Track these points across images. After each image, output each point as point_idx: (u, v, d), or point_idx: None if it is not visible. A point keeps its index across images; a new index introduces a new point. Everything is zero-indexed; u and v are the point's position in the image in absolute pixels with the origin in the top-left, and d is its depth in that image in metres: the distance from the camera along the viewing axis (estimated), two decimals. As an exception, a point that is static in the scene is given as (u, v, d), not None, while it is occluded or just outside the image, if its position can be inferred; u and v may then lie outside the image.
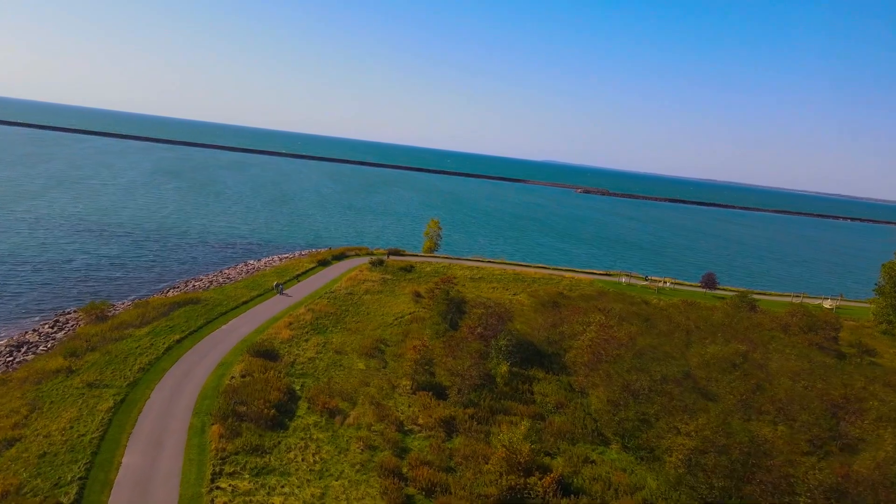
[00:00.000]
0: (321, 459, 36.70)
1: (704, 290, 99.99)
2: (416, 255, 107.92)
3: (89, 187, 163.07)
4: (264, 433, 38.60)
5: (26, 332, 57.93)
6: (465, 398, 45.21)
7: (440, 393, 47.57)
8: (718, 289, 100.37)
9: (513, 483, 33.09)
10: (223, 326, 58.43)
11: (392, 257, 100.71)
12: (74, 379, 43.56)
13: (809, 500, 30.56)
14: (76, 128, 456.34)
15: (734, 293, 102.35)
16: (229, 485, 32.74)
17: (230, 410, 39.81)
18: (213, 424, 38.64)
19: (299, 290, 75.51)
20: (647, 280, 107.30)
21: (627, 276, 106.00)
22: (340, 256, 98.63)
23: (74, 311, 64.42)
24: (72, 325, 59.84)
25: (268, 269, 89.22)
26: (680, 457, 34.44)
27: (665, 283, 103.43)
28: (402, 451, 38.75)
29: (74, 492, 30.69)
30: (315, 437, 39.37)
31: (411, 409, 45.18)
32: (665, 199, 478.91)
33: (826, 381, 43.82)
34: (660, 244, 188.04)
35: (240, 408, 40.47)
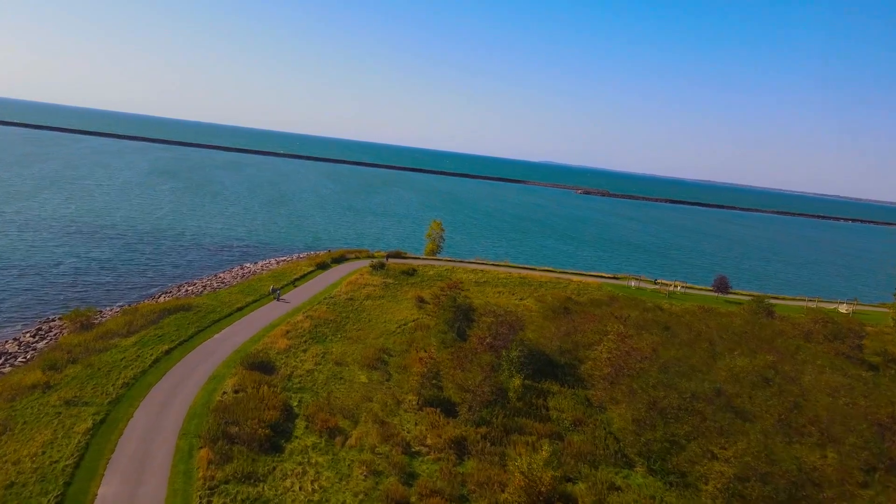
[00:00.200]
0: (320, 488, 33.21)
1: (716, 294, 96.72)
2: (418, 258, 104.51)
3: (83, 188, 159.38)
4: (258, 457, 35.12)
5: (6, 342, 54.29)
6: (476, 416, 41.76)
7: (449, 409, 44.12)
8: (731, 293, 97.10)
9: (534, 516, 29.74)
10: (216, 335, 54.89)
11: (393, 260, 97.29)
12: (52, 395, 40.00)
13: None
14: (73, 128, 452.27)
15: (748, 298, 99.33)
16: (218, 520, 29.30)
17: (220, 432, 36.31)
18: (201, 448, 35.13)
19: (297, 296, 72.05)
20: (656, 283, 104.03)
21: (636, 279, 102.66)
22: (340, 259, 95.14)
23: (59, 319, 60.80)
24: (55, 334, 56.24)
25: (264, 272, 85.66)
26: (718, 485, 31.07)
27: (676, 286, 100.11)
28: (409, 477, 35.29)
29: (42, 530, 27.25)
30: (314, 461, 35.88)
31: (418, 427, 41.72)
32: (665, 200, 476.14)
33: (868, 397, 40.56)
34: (664, 246, 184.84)
35: (231, 428, 36.98)
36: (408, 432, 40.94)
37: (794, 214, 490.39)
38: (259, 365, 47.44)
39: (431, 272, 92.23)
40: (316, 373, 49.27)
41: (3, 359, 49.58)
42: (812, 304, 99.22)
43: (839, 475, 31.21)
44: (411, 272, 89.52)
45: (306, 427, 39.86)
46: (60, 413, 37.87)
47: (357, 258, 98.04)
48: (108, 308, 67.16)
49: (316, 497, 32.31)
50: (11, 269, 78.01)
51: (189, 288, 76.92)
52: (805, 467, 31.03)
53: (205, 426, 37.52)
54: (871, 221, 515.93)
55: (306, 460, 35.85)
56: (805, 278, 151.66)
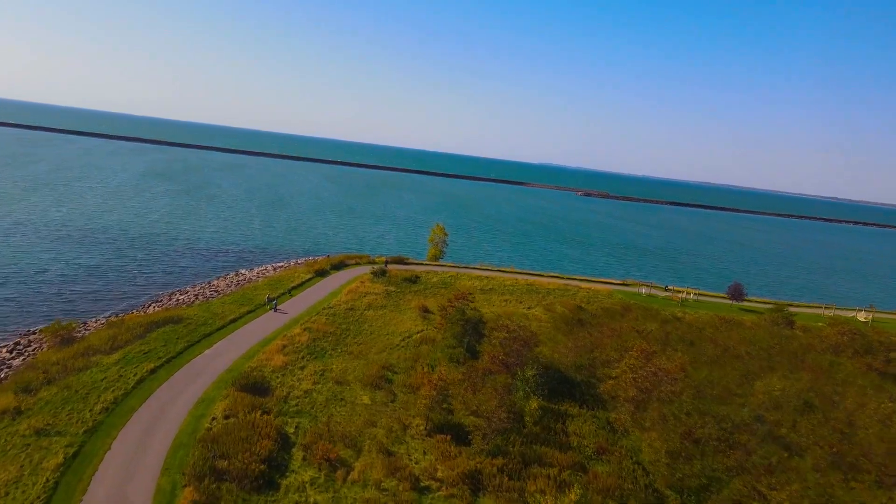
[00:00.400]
0: (320, 534, 29.39)
1: (731, 301, 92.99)
2: (421, 264, 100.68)
3: (75, 190, 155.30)
4: (249, 497, 31.26)
5: (-20, 359, 50.36)
6: (490, 444, 37.91)
7: (460, 435, 40.26)
8: (745, 300, 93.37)
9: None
10: (206, 351, 50.97)
11: (395, 266, 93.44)
12: (22, 423, 36.07)
13: None
14: (67, 128, 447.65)
15: (763, 305, 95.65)
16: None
17: (208, 467, 32.43)
18: (185, 486, 31.25)
19: (295, 305, 68.16)
20: (666, 290, 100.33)
21: (647, 286, 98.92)
22: (339, 265, 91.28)
23: (39, 332, 56.80)
24: (34, 349, 52.25)
25: (260, 280, 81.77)
26: (773, 534, 27.31)
27: (688, 293, 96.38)
28: (419, 519, 31.49)
29: None
30: (312, 500, 32.01)
31: (427, 457, 37.86)
32: (666, 202, 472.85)
33: (922, 425, 36.96)
34: (670, 249, 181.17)
35: (220, 463, 33.10)
36: (416, 463, 37.10)
37: (795, 217, 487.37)
38: (252, 386, 43.54)
39: (435, 279, 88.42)
40: (314, 393, 45.40)
41: (-26, 378, 45.61)
42: (829, 313, 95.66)
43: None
44: (414, 279, 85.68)
45: (304, 458, 35.98)
46: (30, 445, 33.94)
47: (357, 264, 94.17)
48: (93, 319, 63.18)
49: (314, 546, 28.48)
50: (-7, 276, 74.09)
51: (180, 297, 72.98)
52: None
53: (190, 460, 33.63)
54: (874, 224, 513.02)
55: (304, 499, 31.99)
56: (817, 284, 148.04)
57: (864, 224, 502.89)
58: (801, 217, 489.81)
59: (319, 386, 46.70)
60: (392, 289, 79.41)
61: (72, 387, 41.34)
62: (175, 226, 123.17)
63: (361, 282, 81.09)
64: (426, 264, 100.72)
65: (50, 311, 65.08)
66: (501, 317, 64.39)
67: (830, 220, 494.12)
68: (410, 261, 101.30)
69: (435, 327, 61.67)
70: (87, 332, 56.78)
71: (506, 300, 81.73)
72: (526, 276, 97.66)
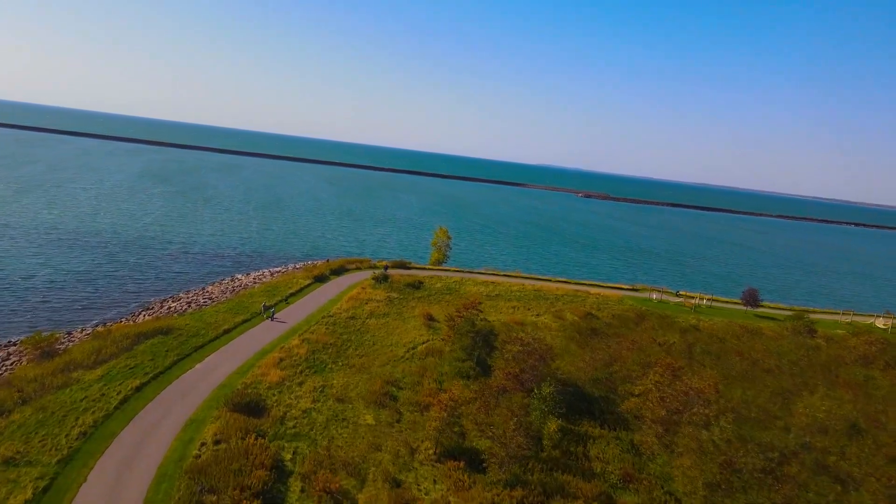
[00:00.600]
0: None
1: (745, 307, 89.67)
2: (424, 268, 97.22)
3: (68, 192, 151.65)
4: (241, 539, 27.78)
5: (-47, 374, 46.79)
6: (508, 473, 34.44)
7: (473, 461, 36.77)
8: (761, 306, 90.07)
9: None
10: (197, 366, 47.45)
11: (397, 271, 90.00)
12: (-11, 451, 32.58)
13: None
14: (62, 129, 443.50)
15: (780, 312, 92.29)
16: None
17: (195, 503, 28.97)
18: (169, 527, 27.80)
19: (293, 314, 64.67)
20: (678, 296, 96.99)
21: (658, 291, 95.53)
22: (339, 270, 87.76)
23: (20, 344, 53.18)
24: (12, 363, 48.67)
25: (256, 286, 78.20)
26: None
27: (701, 299, 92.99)
28: (431, 563, 28.03)
29: None
30: (311, 541, 28.56)
31: (438, 487, 34.39)
32: (667, 204, 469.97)
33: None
34: (674, 252, 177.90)
35: (208, 498, 29.63)
36: (426, 494, 33.64)
37: (796, 218, 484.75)
38: (246, 406, 40.03)
39: (439, 284, 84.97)
40: (314, 413, 41.91)
41: (-57, 397, 42.00)
42: (846, 319, 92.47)
43: None
44: (417, 285, 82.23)
45: (302, 490, 32.51)
46: (-5, 477, 30.43)
47: (358, 269, 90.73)
48: (78, 329, 59.60)
49: None
50: (-25, 283, 70.52)
51: (173, 304, 69.42)
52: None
53: (175, 494, 30.14)
54: (876, 226, 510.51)
55: (302, 540, 28.54)
56: (826, 287, 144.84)
57: (865, 226, 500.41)
58: (802, 219, 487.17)
59: (319, 404, 43.23)
60: (395, 295, 75.97)
61: (48, 408, 37.81)
62: (169, 229, 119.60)
63: (363, 288, 77.64)
64: (429, 269, 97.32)
65: (34, 320, 61.57)
66: (513, 328, 60.90)
67: (830, 222, 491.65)
68: (413, 265, 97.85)
69: (442, 339, 58.19)
70: (72, 343, 53.28)
71: (513, 307, 78.29)
72: (533, 282, 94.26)
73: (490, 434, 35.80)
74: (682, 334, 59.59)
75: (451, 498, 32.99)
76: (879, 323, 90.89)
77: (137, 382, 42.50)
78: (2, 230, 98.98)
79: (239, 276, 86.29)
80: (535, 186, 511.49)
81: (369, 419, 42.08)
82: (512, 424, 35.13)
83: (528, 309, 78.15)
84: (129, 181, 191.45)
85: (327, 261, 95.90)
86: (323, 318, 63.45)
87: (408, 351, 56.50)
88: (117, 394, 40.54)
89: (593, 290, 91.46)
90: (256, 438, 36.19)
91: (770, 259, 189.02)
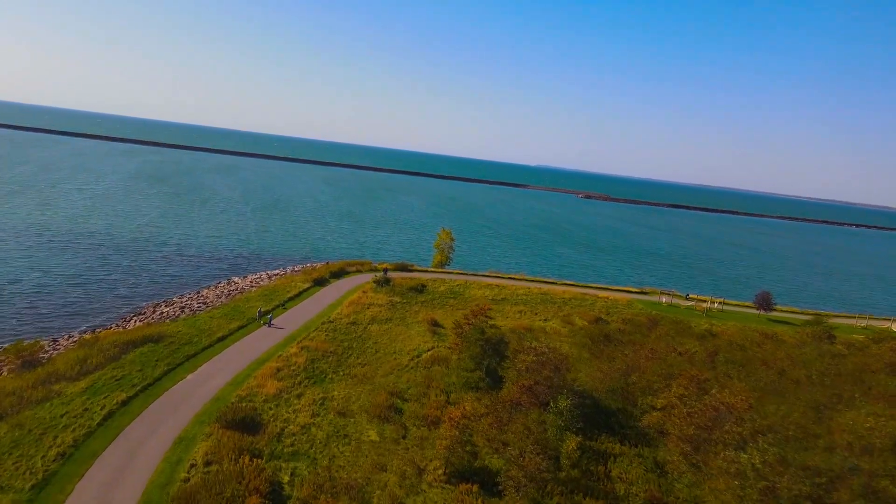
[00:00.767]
0: None
1: (759, 311, 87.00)
2: (426, 271, 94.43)
3: (62, 192, 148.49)
4: (232, 577, 24.86)
5: (-72, 385, 43.73)
6: (526, 498, 31.55)
7: (486, 483, 33.84)
8: (774, 310, 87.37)
9: None
10: (189, 377, 44.49)
11: (399, 273, 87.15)
12: (-43, 476, 29.66)
13: None
14: (58, 129, 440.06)
15: (795, 316, 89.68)
16: None
17: (181, 537, 26.06)
18: (152, 564, 24.88)
19: (291, 319, 61.78)
20: (688, 299, 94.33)
21: (667, 294, 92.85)
22: (339, 273, 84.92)
23: (1, 353, 50.15)
24: (-8, 374, 45.72)
25: (253, 289, 75.26)
26: None
27: (712, 303, 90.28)
28: None
29: None
30: (311, 579, 25.63)
31: (449, 513, 31.51)
32: (667, 205, 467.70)
33: None
34: (679, 253, 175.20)
35: (196, 530, 26.71)
36: (436, 521, 30.75)
37: (798, 219, 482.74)
38: (241, 422, 37.08)
39: (443, 287, 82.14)
40: (313, 428, 38.98)
41: (-86, 412, 39.01)
42: (862, 323, 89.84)
43: None
44: (420, 288, 79.37)
45: (301, 518, 29.59)
46: (-39, 506, 27.53)
47: (359, 272, 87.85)
48: (65, 336, 56.60)
49: None
50: (-41, 287, 67.50)
51: (165, 309, 66.44)
52: None
53: (160, 525, 27.23)
54: (879, 227, 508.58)
55: (301, 578, 25.60)
56: (838, 290, 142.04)
57: (867, 227, 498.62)
58: (802, 220, 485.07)
59: (319, 419, 40.30)
60: (397, 299, 73.12)
61: (25, 424, 34.84)
62: (165, 230, 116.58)
63: (364, 291, 74.80)
64: (432, 271, 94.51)
65: (19, 327, 58.53)
66: (524, 335, 57.97)
67: (831, 223, 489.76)
68: (415, 268, 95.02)
69: (448, 347, 55.32)
70: (56, 351, 50.27)
71: (520, 311, 75.54)
72: (539, 285, 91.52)
73: (506, 455, 32.86)
74: (701, 341, 56.75)
75: (464, 526, 30.11)
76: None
77: (124, 396, 39.54)
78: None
79: (235, 280, 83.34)
80: (534, 187, 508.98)
81: (373, 435, 39.17)
82: (530, 444, 32.24)
83: (536, 313, 75.42)
84: (125, 182, 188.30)
85: (327, 263, 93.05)
86: (323, 323, 60.55)
87: (412, 359, 53.63)
88: (101, 408, 37.58)
89: (601, 294, 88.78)
90: (251, 459, 33.27)
91: (775, 260, 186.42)
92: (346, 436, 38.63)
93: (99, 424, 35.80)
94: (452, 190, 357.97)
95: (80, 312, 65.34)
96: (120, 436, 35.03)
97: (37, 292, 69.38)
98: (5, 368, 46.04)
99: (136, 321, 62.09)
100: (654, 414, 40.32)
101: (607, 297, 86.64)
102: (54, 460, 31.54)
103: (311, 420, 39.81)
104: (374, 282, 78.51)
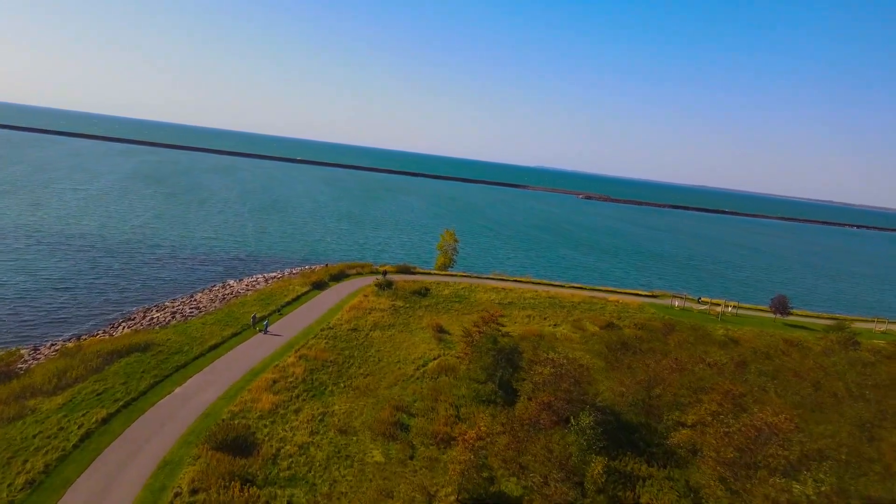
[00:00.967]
0: None
1: (775, 315, 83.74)
2: (430, 273, 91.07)
3: (55, 193, 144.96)
4: None
5: None
6: (550, 530, 28.24)
7: (504, 511, 30.60)
8: (791, 314, 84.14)
9: None
10: (177, 390, 41.12)
11: (401, 276, 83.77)
12: (-90, 508, 26.32)
13: None
14: (57, 129, 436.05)
15: (811, 320, 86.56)
16: None
17: (160, 584, 22.69)
18: None
19: (288, 325, 58.43)
20: (700, 302, 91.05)
21: (680, 298, 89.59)
22: (339, 276, 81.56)
23: (-23, 363, 46.76)
24: (-36, 387, 42.26)
25: (249, 293, 71.88)
26: None
27: (726, 306, 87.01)
28: None
29: None
30: None
31: (464, 548, 28.18)
32: (668, 206, 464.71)
33: None
34: (686, 255, 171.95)
35: (178, 575, 23.34)
36: (450, 557, 27.40)
37: (798, 220, 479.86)
38: (232, 442, 33.71)
39: (447, 291, 78.84)
40: (312, 448, 35.63)
41: None
42: (881, 328, 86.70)
43: None
44: (423, 292, 76.04)
45: (298, 556, 26.25)
46: (-90, 546, 24.15)
47: (359, 274, 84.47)
48: (47, 344, 53.11)
49: None
50: (-61, 291, 64.05)
51: (156, 314, 63.02)
52: None
53: (137, 568, 23.87)
54: (878, 228, 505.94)
55: None
56: (849, 293, 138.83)
57: (867, 228, 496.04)
58: (803, 220, 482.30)
59: (318, 437, 36.95)
60: (400, 303, 69.79)
61: (-7, 447, 31.48)
62: (159, 232, 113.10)
63: (365, 295, 71.45)
64: (435, 274, 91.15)
65: (1, 335, 55.10)
66: (538, 343, 54.61)
67: (832, 224, 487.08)
68: (417, 270, 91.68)
69: (456, 356, 51.96)
70: (36, 361, 46.85)
71: (528, 316, 72.26)
72: (546, 288, 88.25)
73: (528, 482, 29.54)
74: (723, 349, 53.49)
75: (482, 565, 26.78)
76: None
77: (104, 413, 36.14)
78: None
79: (231, 283, 79.92)
80: (534, 188, 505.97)
81: (377, 455, 35.82)
82: (553, 469, 28.92)
83: (545, 318, 72.16)
84: (121, 182, 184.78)
85: (326, 266, 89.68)
86: (322, 330, 57.20)
87: (417, 368, 50.30)
88: (78, 427, 34.20)
89: (611, 297, 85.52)
90: (243, 485, 29.94)
91: (781, 262, 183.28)
92: (347, 457, 35.28)
93: (75, 446, 32.42)
94: (452, 190, 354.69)
95: (66, 319, 61.88)
96: (97, 459, 31.65)
97: (21, 297, 65.92)
98: (-21, 381, 42.63)
99: (124, 327, 58.63)
100: (684, 431, 37.02)
101: (617, 301, 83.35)
102: (21, 489, 28.18)
103: (310, 439, 36.45)
104: (376, 285, 75.22)
